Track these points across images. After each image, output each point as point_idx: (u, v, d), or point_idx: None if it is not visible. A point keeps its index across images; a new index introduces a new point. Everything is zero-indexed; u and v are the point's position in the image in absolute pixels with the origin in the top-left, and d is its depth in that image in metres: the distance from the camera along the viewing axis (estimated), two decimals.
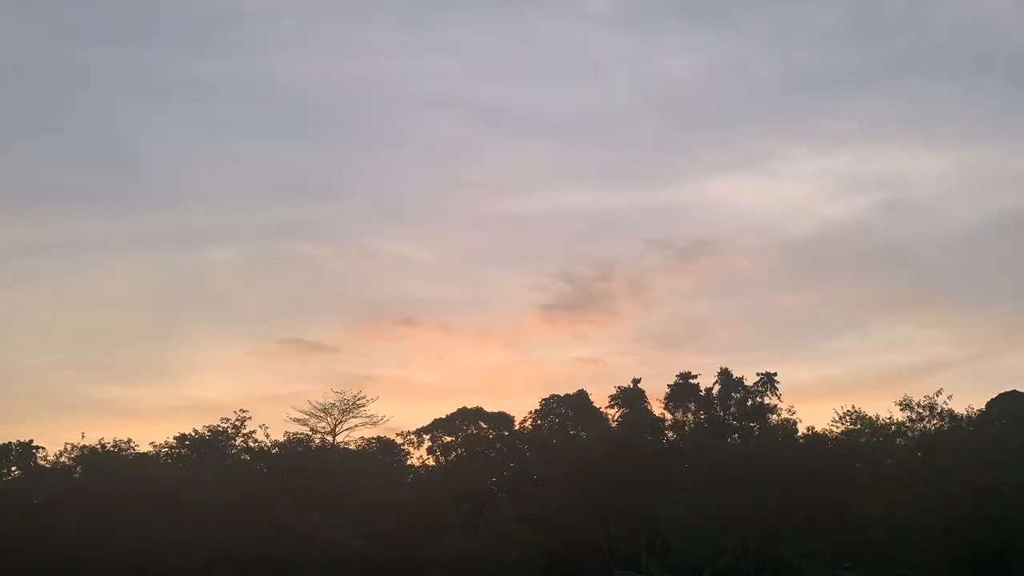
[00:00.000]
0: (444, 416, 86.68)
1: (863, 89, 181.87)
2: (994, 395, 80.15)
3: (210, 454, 72.88)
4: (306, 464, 70.66)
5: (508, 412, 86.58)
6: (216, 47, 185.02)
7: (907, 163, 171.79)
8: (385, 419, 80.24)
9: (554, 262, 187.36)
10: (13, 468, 75.61)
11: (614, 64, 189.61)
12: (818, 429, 73.59)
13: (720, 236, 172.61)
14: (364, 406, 78.49)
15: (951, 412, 72.75)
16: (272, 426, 75.48)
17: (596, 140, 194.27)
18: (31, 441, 76.28)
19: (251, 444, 74.43)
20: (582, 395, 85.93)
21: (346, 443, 78.37)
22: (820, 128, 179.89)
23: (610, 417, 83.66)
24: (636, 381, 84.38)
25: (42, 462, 74.13)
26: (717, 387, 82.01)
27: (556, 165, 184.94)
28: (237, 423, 74.09)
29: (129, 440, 72.26)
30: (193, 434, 74.05)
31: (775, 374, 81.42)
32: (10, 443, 76.06)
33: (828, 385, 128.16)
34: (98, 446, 70.23)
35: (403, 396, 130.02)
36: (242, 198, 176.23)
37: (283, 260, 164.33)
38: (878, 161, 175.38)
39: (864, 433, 71.85)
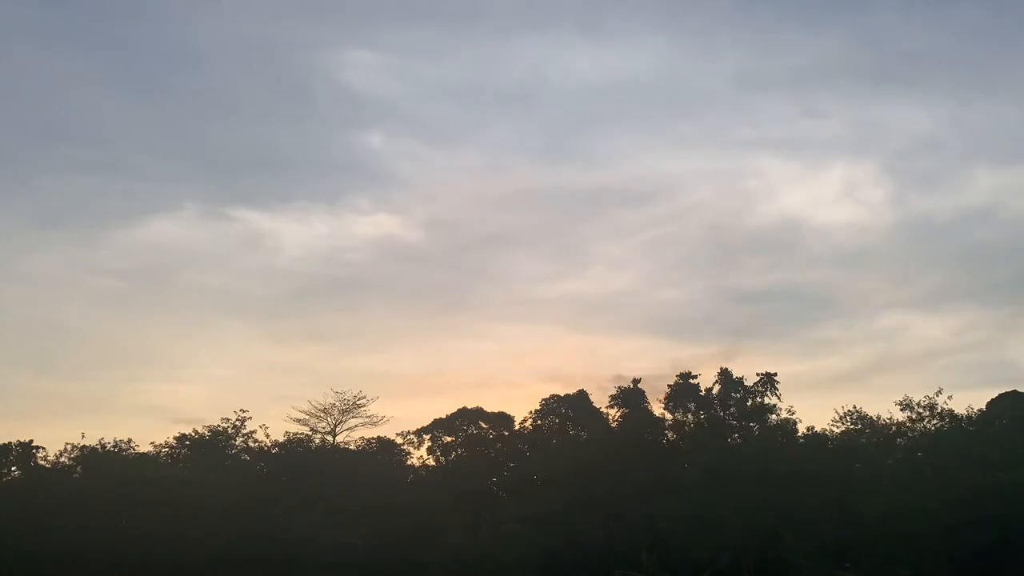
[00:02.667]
0: (444, 416, 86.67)
1: (846, 57, 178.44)
2: (993, 386, 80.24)
3: (210, 454, 72.85)
4: (306, 464, 70.63)
5: (508, 412, 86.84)
6: (182, 15, 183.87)
7: (898, 126, 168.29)
8: (385, 419, 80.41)
9: (528, 244, 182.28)
10: (13, 468, 75.60)
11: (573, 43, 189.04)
12: (818, 428, 73.90)
13: (699, 215, 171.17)
14: (364, 406, 78.61)
15: (951, 412, 72.83)
16: (268, 422, 76.08)
17: (567, 121, 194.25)
18: (31, 441, 76.33)
19: (251, 444, 74.48)
20: (582, 395, 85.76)
21: (346, 443, 78.35)
22: (803, 98, 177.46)
23: (610, 417, 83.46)
24: (636, 381, 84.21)
25: (42, 462, 74.13)
26: (717, 387, 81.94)
27: (534, 147, 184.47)
28: (237, 423, 74.13)
29: (129, 440, 72.72)
30: (193, 434, 74.05)
31: (775, 374, 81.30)
32: (10, 443, 76.04)
33: (820, 376, 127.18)
34: (98, 446, 70.44)
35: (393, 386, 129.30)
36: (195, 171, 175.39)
37: (244, 236, 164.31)
38: (867, 129, 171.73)
39: (864, 433, 72.08)
